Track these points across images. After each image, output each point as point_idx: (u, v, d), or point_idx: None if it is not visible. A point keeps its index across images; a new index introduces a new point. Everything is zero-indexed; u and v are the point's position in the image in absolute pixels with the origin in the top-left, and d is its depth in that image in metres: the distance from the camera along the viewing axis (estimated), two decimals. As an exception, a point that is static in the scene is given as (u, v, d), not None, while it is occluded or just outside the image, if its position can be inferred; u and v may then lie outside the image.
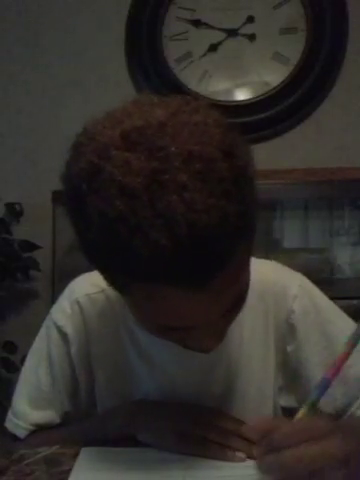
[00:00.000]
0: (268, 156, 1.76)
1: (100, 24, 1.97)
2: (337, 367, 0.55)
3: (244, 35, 1.91)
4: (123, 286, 0.55)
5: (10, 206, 1.94)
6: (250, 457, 0.63)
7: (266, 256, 0.81)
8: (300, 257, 1.79)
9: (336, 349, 0.74)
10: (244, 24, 1.91)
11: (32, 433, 0.77)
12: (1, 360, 1.84)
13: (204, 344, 0.60)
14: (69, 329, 0.76)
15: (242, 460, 0.62)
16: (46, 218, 1.85)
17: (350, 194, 1.81)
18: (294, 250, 1.87)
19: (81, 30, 1.98)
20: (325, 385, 0.55)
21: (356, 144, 1.86)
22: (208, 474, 0.60)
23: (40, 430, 0.77)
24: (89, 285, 0.77)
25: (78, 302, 0.76)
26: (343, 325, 0.77)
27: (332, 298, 0.80)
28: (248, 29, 1.91)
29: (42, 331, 0.80)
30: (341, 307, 0.80)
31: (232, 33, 1.91)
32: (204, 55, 1.93)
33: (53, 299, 0.82)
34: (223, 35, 1.92)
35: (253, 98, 1.89)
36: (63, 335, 0.76)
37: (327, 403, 0.59)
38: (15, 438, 0.77)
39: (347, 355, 0.56)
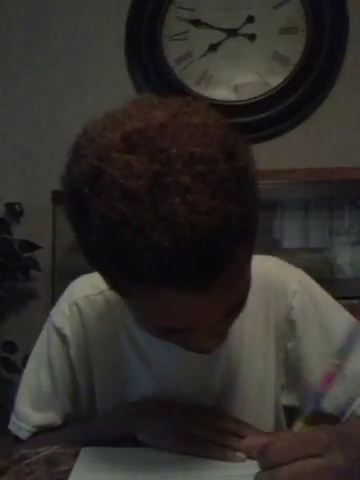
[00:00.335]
0: (268, 156, 1.76)
1: (100, 24, 1.97)
2: (328, 379, 0.54)
3: (244, 35, 1.91)
4: (125, 289, 0.55)
5: (10, 206, 1.94)
6: (250, 457, 0.63)
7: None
8: (300, 257, 1.79)
9: (336, 345, 0.74)
10: (244, 24, 1.91)
11: (34, 435, 0.77)
12: (1, 360, 1.84)
13: (205, 345, 0.60)
14: (68, 331, 0.76)
15: (242, 460, 0.62)
16: (46, 218, 1.85)
17: (350, 194, 1.81)
18: (294, 250, 1.87)
19: (81, 30, 1.98)
20: (317, 398, 0.54)
21: (356, 144, 1.86)
22: (208, 474, 0.60)
23: (42, 432, 0.77)
24: (88, 287, 0.77)
25: (77, 304, 0.76)
26: (342, 321, 0.77)
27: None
28: (248, 29, 1.91)
29: (42, 333, 0.80)
30: (341, 307, 0.80)
31: (232, 33, 1.91)
32: (204, 55, 1.93)
33: (53, 299, 0.82)
34: (223, 35, 1.92)
35: (253, 98, 1.89)
36: (62, 337, 0.76)
37: (328, 402, 0.58)
38: (18, 440, 0.77)
39: (334, 373, 0.55)
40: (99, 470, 0.63)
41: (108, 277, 0.56)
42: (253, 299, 0.73)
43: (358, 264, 1.82)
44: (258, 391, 0.76)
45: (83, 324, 0.76)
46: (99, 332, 0.76)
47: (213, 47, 1.92)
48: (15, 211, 1.95)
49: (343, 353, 0.60)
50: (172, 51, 1.93)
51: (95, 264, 0.55)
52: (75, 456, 0.66)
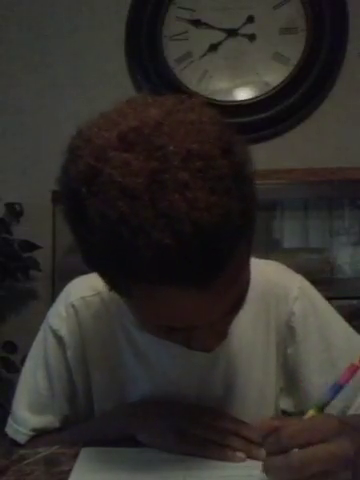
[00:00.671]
0: (268, 156, 1.76)
1: (100, 24, 1.97)
2: (351, 372, 0.54)
3: (244, 35, 1.91)
4: (125, 289, 0.54)
5: (10, 206, 1.94)
6: (250, 457, 0.63)
7: (266, 256, 0.81)
8: (300, 257, 1.79)
9: (334, 353, 0.75)
10: (244, 24, 1.91)
11: (32, 438, 0.77)
12: (1, 360, 1.84)
13: (206, 344, 0.60)
14: (64, 332, 0.76)
15: (242, 460, 0.62)
16: (46, 218, 1.85)
17: (350, 194, 1.81)
18: (294, 250, 1.87)
19: (81, 30, 1.98)
20: (337, 390, 0.54)
21: (356, 144, 1.86)
22: (208, 474, 0.60)
23: (39, 435, 0.77)
24: (85, 288, 0.77)
25: (73, 305, 0.76)
26: (341, 329, 0.77)
27: (332, 298, 0.80)
28: (248, 29, 1.91)
29: (39, 335, 0.80)
30: (341, 307, 0.80)
31: (232, 33, 1.91)
32: (204, 55, 1.93)
33: (53, 299, 0.82)
34: (223, 35, 1.92)
35: (253, 98, 1.89)
36: (59, 339, 0.76)
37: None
38: (15, 443, 0.77)
39: (358, 367, 0.55)
40: (99, 470, 0.63)
41: (107, 277, 0.56)
42: (254, 304, 0.73)
43: (358, 264, 1.82)
44: (258, 394, 0.76)
45: (80, 325, 0.76)
46: (96, 333, 0.76)
47: (213, 47, 1.92)
48: (15, 211, 1.95)
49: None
50: (172, 51, 1.93)
51: (94, 265, 0.54)
52: (75, 456, 0.66)
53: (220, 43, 1.92)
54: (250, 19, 1.90)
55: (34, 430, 0.77)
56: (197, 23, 1.93)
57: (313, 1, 1.86)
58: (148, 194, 0.46)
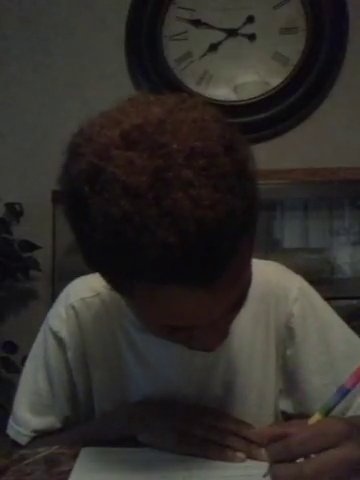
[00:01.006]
0: (268, 156, 1.76)
1: (100, 24, 1.97)
2: (357, 376, 0.54)
3: (244, 35, 1.91)
4: (127, 289, 0.54)
5: (10, 206, 1.94)
6: (250, 457, 0.63)
7: (266, 256, 0.81)
8: (300, 257, 1.79)
9: (333, 354, 0.75)
10: (244, 24, 1.91)
11: (33, 439, 0.77)
12: (1, 360, 1.84)
13: (208, 343, 0.60)
14: (65, 334, 0.76)
15: (242, 460, 0.62)
16: (46, 218, 1.85)
17: (350, 194, 1.81)
18: (294, 250, 1.87)
19: (81, 30, 1.98)
20: (344, 394, 0.54)
21: (356, 144, 1.86)
22: (208, 474, 0.60)
23: (40, 436, 0.77)
24: (84, 289, 0.77)
25: (73, 307, 0.76)
26: (340, 331, 0.77)
27: (332, 298, 0.80)
28: (248, 29, 1.91)
29: (39, 336, 0.80)
30: (341, 307, 0.80)
31: (232, 33, 1.91)
32: (204, 55, 1.93)
33: (53, 299, 0.82)
34: (223, 35, 1.92)
35: (253, 98, 1.89)
36: (59, 340, 0.76)
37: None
38: (16, 445, 0.77)
39: None
40: (99, 470, 0.63)
41: (109, 277, 0.56)
42: (254, 304, 0.73)
43: (358, 264, 1.82)
44: (258, 395, 0.76)
45: (80, 327, 0.76)
46: (96, 334, 0.76)
47: (213, 47, 1.92)
48: (15, 211, 1.95)
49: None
50: (172, 51, 1.93)
51: (96, 264, 0.54)
52: (75, 456, 0.66)
53: (220, 43, 1.92)
54: (250, 19, 1.90)
55: (35, 431, 0.77)
56: (197, 23, 1.93)
57: (313, 1, 1.86)
58: (152, 192, 0.46)
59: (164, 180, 0.46)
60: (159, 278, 0.49)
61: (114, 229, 0.47)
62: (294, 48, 1.87)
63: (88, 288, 0.77)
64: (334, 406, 0.54)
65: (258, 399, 0.76)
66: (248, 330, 0.75)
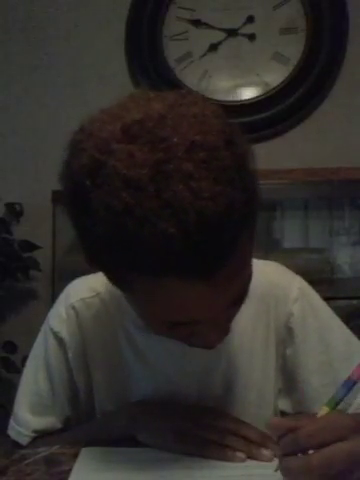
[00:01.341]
0: (268, 156, 1.76)
1: (100, 24, 1.97)
2: None
3: (244, 35, 1.91)
4: (129, 283, 0.54)
5: (10, 206, 1.94)
6: (250, 457, 0.63)
7: (266, 256, 0.81)
8: (300, 257, 1.79)
9: (332, 355, 0.75)
10: (244, 24, 1.91)
11: (34, 439, 0.77)
12: (1, 360, 1.84)
13: (208, 340, 0.60)
14: (65, 334, 0.76)
15: (242, 460, 0.62)
16: (46, 218, 1.85)
17: (350, 194, 1.81)
18: (294, 250, 1.87)
19: (81, 30, 1.98)
20: (350, 386, 0.54)
21: (356, 144, 1.86)
22: (208, 474, 0.60)
23: (41, 436, 0.77)
24: (84, 289, 0.77)
25: (73, 307, 0.76)
26: (339, 331, 0.77)
27: (332, 298, 0.80)
28: (248, 29, 1.91)
29: (40, 337, 0.80)
30: (341, 307, 0.81)
31: (232, 33, 1.91)
32: (204, 55, 1.93)
33: (53, 299, 0.82)
34: (223, 35, 1.92)
35: (253, 98, 1.89)
36: (59, 340, 0.76)
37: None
38: (17, 445, 0.77)
39: None
40: (99, 470, 0.63)
41: (110, 272, 0.56)
42: (254, 304, 0.73)
43: (358, 264, 1.82)
44: (257, 395, 0.76)
45: (80, 327, 0.76)
46: (96, 334, 0.76)
47: (213, 47, 1.92)
48: (15, 211, 1.95)
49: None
50: (172, 51, 1.93)
51: (97, 260, 0.54)
52: (75, 456, 0.66)
53: (220, 43, 1.92)
54: (250, 19, 1.90)
55: (36, 431, 0.77)
56: (197, 23, 1.93)
57: (313, 1, 1.86)
58: (152, 185, 0.47)
59: (164, 173, 0.47)
60: (160, 270, 0.49)
61: (115, 221, 0.47)
62: (294, 48, 1.87)
63: (88, 288, 0.77)
64: (341, 399, 0.54)
65: (258, 399, 0.76)
66: (248, 330, 0.75)
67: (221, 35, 1.92)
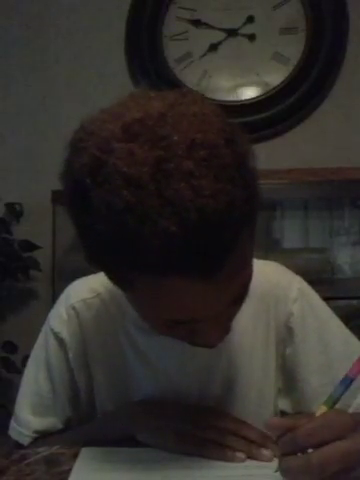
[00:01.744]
0: (268, 156, 1.76)
1: (100, 24, 1.97)
2: None
3: (244, 35, 1.91)
4: (129, 282, 0.54)
5: (10, 206, 1.94)
6: (250, 457, 0.63)
7: (266, 256, 0.81)
8: (300, 257, 1.79)
9: (331, 355, 0.75)
10: (244, 24, 1.91)
11: (35, 440, 0.77)
12: (1, 360, 1.84)
13: (209, 338, 0.60)
14: (66, 335, 0.76)
15: (242, 460, 0.62)
16: (46, 218, 1.85)
17: (350, 194, 1.81)
18: (294, 250, 1.87)
19: (81, 30, 1.98)
20: (347, 383, 0.54)
21: (356, 144, 1.86)
22: (208, 474, 0.60)
23: (43, 437, 0.77)
24: (85, 290, 0.77)
25: (74, 308, 0.76)
26: (339, 331, 0.77)
27: (332, 298, 0.80)
28: (248, 29, 1.91)
29: (40, 337, 0.80)
30: (341, 307, 0.81)
31: (232, 33, 1.91)
32: (204, 55, 1.93)
33: (53, 299, 0.82)
34: (223, 35, 1.92)
35: (253, 98, 1.89)
36: (60, 341, 0.76)
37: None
38: (18, 446, 0.77)
39: None
40: (99, 470, 0.63)
41: (111, 271, 0.56)
42: (254, 304, 0.73)
43: (358, 264, 1.82)
44: (258, 395, 0.76)
45: (81, 328, 0.76)
46: (97, 335, 0.76)
47: (213, 47, 1.92)
48: (15, 211, 1.95)
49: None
50: (172, 51, 1.93)
51: (98, 259, 0.54)
52: (75, 456, 0.66)
53: (220, 43, 1.92)
54: (250, 19, 1.91)
55: (37, 432, 0.77)
56: (197, 23, 1.93)
57: (313, 1, 1.86)
58: (153, 183, 0.47)
59: (165, 171, 0.47)
60: (161, 269, 0.49)
61: (116, 220, 0.47)
62: (294, 48, 1.87)
63: (88, 289, 0.77)
64: (339, 397, 0.54)
65: (258, 398, 0.76)
66: (248, 329, 0.75)
67: (221, 35, 1.92)
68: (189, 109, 0.51)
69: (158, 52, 1.93)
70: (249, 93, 1.90)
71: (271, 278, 0.78)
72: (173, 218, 0.46)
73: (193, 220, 0.46)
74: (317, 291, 0.80)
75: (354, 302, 1.67)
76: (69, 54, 1.99)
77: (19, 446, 0.77)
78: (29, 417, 0.77)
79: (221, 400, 0.75)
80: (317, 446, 0.49)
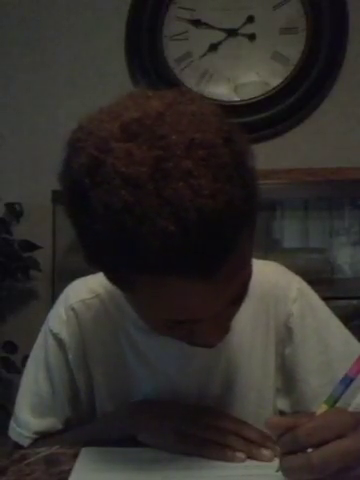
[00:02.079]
0: (268, 156, 1.76)
1: (100, 24, 1.97)
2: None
3: (244, 35, 1.91)
4: (129, 283, 0.54)
5: (10, 206, 1.94)
6: (250, 457, 0.63)
7: (266, 256, 0.81)
8: (300, 257, 1.79)
9: (331, 355, 0.75)
10: (244, 24, 1.91)
11: (35, 441, 0.77)
12: (1, 360, 1.84)
13: (209, 338, 0.59)
14: (65, 335, 0.76)
15: (242, 460, 0.62)
16: (46, 218, 1.85)
17: (350, 194, 1.81)
18: (294, 250, 1.87)
19: (81, 30, 1.98)
20: (347, 383, 0.54)
21: (356, 144, 1.86)
22: (208, 474, 0.60)
23: (42, 438, 0.77)
24: (84, 291, 0.77)
25: (73, 308, 0.76)
26: (338, 331, 0.77)
27: (332, 298, 0.81)
28: (248, 29, 1.91)
29: (40, 338, 0.80)
30: (341, 307, 0.81)
31: (232, 33, 1.91)
32: (204, 55, 1.93)
33: (53, 299, 0.82)
34: (223, 35, 1.92)
35: (253, 98, 1.89)
36: (59, 341, 0.76)
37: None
38: (18, 446, 0.77)
39: None
40: (99, 470, 0.63)
41: (110, 271, 0.56)
42: (253, 304, 0.73)
43: (358, 264, 1.82)
44: (257, 395, 0.76)
45: (80, 328, 0.76)
46: (96, 335, 0.76)
47: (213, 47, 1.92)
48: (15, 211, 1.95)
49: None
50: (172, 51, 1.93)
51: (97, 259, 0.54)
52: (75, 456, 0.66)
53: (220, 43, 1.92)
54: (250, 19, 1.90)
55: (37, 433, 0.77)
56: (197, 23, 1.93)
57: (313, 1, 1.86)
58: (152, 183, 0.46)
59: (164, 170, 0.47)
60: (160, 269, 0.49)
61: (115, 220, 0.47)
62: (294, 48, 1.87)
63: (87, 289, 0.77)
64: (340, 396, 0.54)
65: (258, 398, 0.76)
66: (248, 329, 0.75)
67: (221, 35, 1.92)
68: (187, 108, 0.51)
69: (158, 52, 1.93)
70: (249, 93, 1.90)
71: (271, 278, 0.78)
72: (172, 218, 0.46)
73: (192, 220, 0.46)
74: (317, 291, 0.80)
75: (354, 302, 1.67)
76: (69, 54, 1.99)
77: (19, 447, 0.77)
78: (29, 418, 0.77)
79: (220, 400, 0.75)
80: (318, 445, 0.49)
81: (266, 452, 0.62)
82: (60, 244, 1.83)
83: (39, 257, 1.88)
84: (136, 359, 0.75)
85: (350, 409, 0.71)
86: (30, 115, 2.00)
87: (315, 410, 0.55)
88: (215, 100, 1.83)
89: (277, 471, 0.52)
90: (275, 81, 1.88)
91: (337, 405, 0.54)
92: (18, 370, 1.71)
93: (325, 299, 0.80)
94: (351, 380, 0.54)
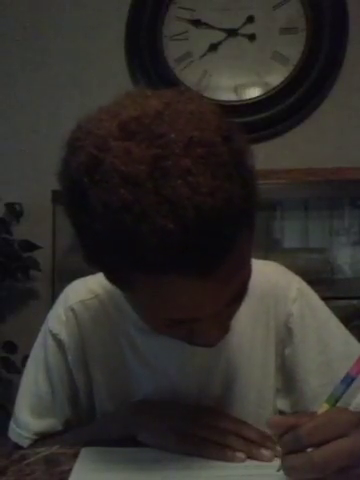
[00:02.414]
0: (268, 156, 1.76)
1: (100, 24, 1.97)
2: None
3: (244, 35, 1.91)
4: (129, 282, 0.54)
5: (10, 206, 1.94)
6: (250, 457, 0.63)
7: (266, 256, 0.81)
8: (300, 257, 1.79)
9: (331, 355, 0.75)
10: (244, 24, 1.91)
11: (35, 441, 0.77)
12: (1, 360, 1.84)
13: (209, 337, 0.59)
14: (64, 336, 0.76)
15: (242, 460, 0.62)
16: (46, 218, 1.85)
17: (350, 194, 1.81)
18: (294, 250, 1.87)
19: (81, 30, 1.98)
20: (349, 382, 0.54)
21: (356, 144, 1.86)
22: (208, 474, 0.60)
23: (43, 438, 0.77)
24: (83, 291, 0.77)
25: (72, 309, 0.76)
26: (338, 332, 0.77)
27: (332, 298, 0.80)
28: (248, 29, 1.91)
29: (39, 338, 0.80)
30: (341, 307, 0.81)
31: (232, 33, 1.91)
32: (204, 55, 1.93)
33: (53, 299, 0.82)
34: (223, 35, 1.92)
35: (253, 98, 1.89)
36: (58, 342, 0.76)
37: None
38: (18, 447, 0.77)
39: None
40: (99, 470, 0.62)
41: (110, 270, 0.56)
42: (253, 304, 0.73)
43: (358, 264, 1.82)
44: (257, 395, 0.76)
45: (79, 329, 0.76)
46: (96, 335, 0.76)
47: (213, 47, 1.92)
48: (15, 211, 1.95)
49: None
50: (172, 51, 1.93)
51: (96, 258, 0.54)
52: (75, 456, 0.65)
53: (220, 43, 1.92)
54: (250, 19, 1.91)
55: (36, 434, 0.77)
56: (197, 23, 1.93)
57: (313, 1, 1.86)
58: (151, 181, 0.47)
59: (163, 169, 0.47)
60: (159, 267, 0.49)
61: (114, 218, 0.47)
62: (294, 48, 1.87)
63: (87, 290, 0.77)
64: (341, 395, 0.54)
65: (257, 398, 0.76)
66: (248, 329, 0.75)
67: (221, 35, 1.92)
68: (186, 107, 0.51)
69: (158, 52, 1.93)
70: (249, 93, 1.90)
71: (270, 278, 0.78)
72: (170, 215, 0.46)
73: (191, 218, 0.46)
74: (317, 291, 0.80)
75: (354, 302, 1.67)
76: (69, 54, 1.99)
77: (19, 448, 0.77)
78: (28, 419, 0.77)
79: (220, 400, 0.75)
80: (319, 444, 0.49)
81: (266, 452, 0.62)
82: (60, 244, 1.83)
83: (39, 257, 1.88)
84: (136, 359, 0.75)
85: (350, 409, 0.71)
86: (30, 115, 2.00)
87: (315, 410, 0.55)
88: (215, 100, 1.82)
89: (278, 470, 0.52)
90: (275, 81, 1.88)
91: (338, 404, 0.54)
92: (18, 370, 1.71)
93: (325, 299, 0.80)
94: (352, 379, 0.54)
